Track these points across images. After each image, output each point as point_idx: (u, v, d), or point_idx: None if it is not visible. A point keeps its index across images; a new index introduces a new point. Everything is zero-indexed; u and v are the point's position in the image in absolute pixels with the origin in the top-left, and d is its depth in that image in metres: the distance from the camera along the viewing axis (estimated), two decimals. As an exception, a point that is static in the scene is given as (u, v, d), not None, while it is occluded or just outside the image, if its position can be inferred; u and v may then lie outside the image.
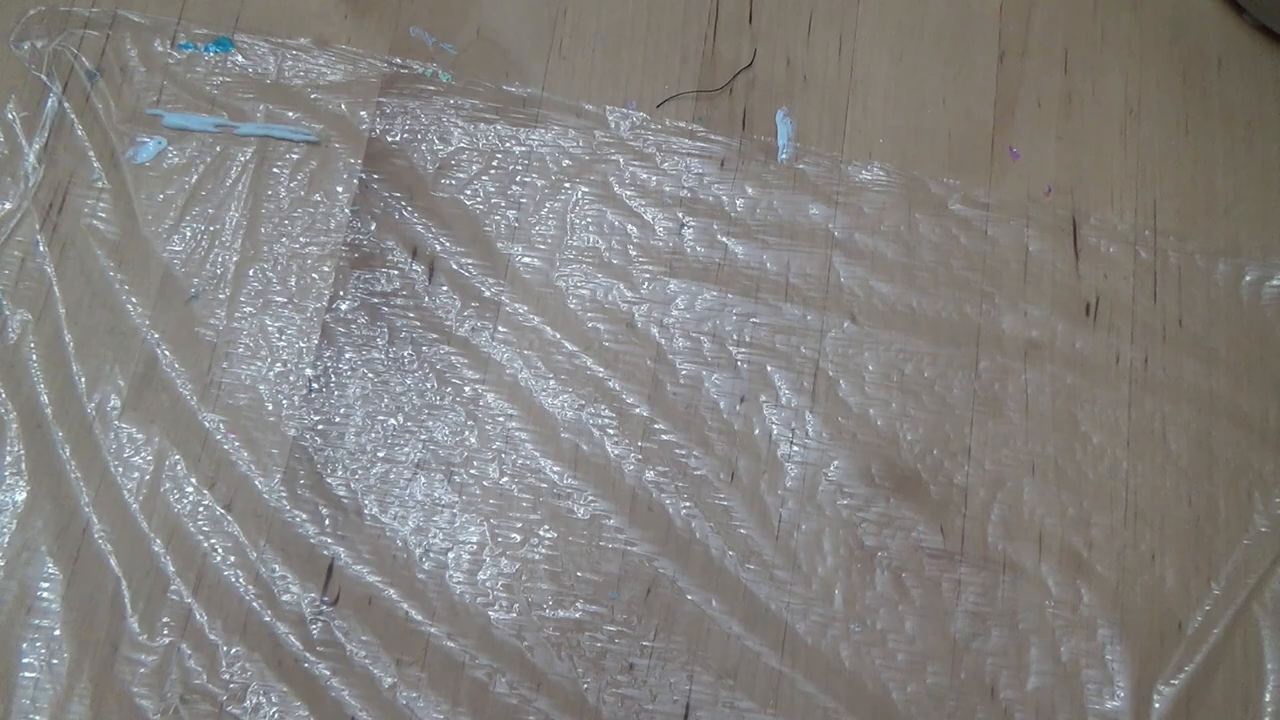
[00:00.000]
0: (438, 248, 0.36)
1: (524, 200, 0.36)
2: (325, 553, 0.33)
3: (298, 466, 0.34)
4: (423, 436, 0.34)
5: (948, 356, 0.36)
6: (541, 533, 0.34)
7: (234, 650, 0.32)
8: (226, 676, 0.32)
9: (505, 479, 0.34)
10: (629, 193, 0.37)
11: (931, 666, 0.33)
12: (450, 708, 0.32)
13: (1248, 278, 0.38)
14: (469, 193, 0.36)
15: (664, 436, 0.34)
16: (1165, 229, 0.38)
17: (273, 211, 0.36)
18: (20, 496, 0.33)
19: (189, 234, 0.35)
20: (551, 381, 0.35)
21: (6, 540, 0.33)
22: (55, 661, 0.31)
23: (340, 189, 0.36)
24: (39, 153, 0.35)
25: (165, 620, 0.32)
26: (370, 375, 0.35)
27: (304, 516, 0.33)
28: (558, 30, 0.39)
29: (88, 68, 0.36)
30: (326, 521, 0.33)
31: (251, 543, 0.33)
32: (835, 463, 0.35)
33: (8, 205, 0.35)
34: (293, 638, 0.32)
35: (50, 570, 0.33)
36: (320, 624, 0.32)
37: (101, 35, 0.37)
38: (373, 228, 0.36)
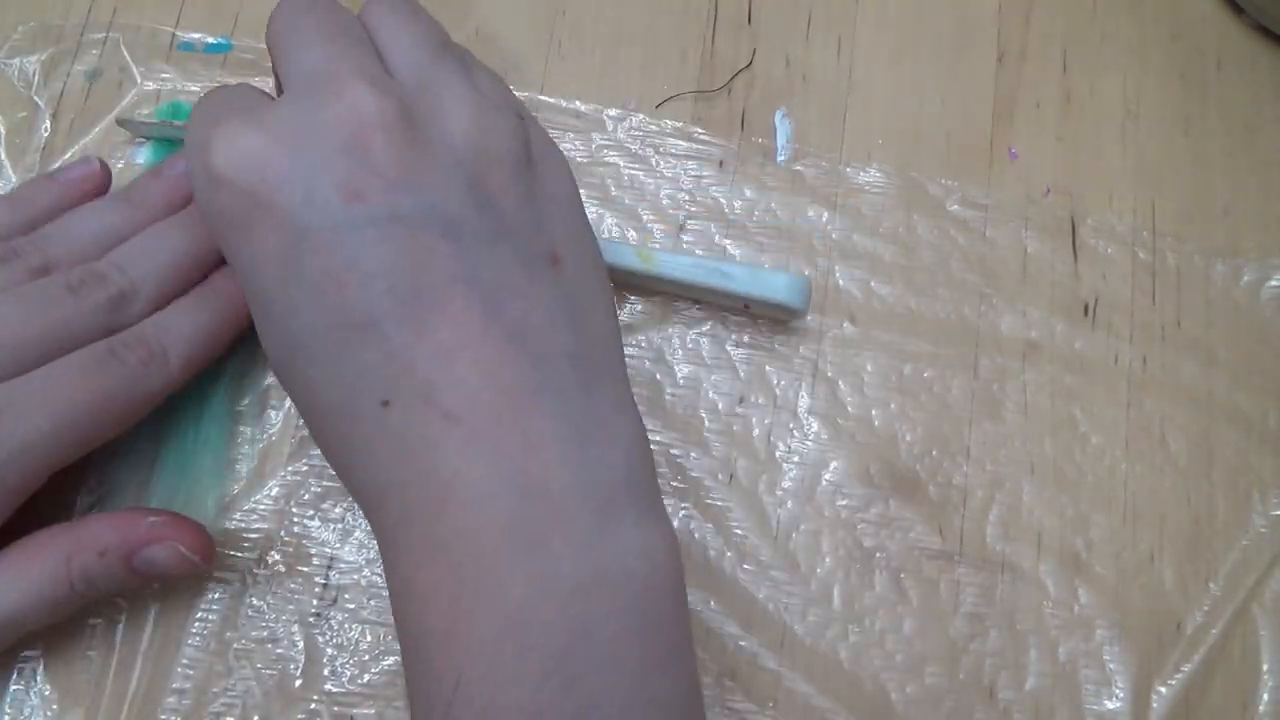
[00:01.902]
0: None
1: (523, 202, 0.36)
2: (320, 562, 0.33)
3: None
4: (422, 438, 0.34)
5: (946, 357, 0.36)
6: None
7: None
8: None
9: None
10: (627, 195, 0.37)
11: (930, 667, 0.33)
12: (450, 709, 0.32)
13: (1245, 278, 0.38)
14: (468, 194, 0.36)
15: (662, 438, 0.34)
16: (1164, 229, 0.38)
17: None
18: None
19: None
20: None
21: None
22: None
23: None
24: (32, 164, 0.35)
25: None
26: (369, 377, 0.35)
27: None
28: (556, 30, 0.39)
29: (82, 77, 0.36)
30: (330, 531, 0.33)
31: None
32: (834, 464, 0.35)
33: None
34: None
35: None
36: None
37: (96, 43, 0.37)
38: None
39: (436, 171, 0.23)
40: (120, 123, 0.35)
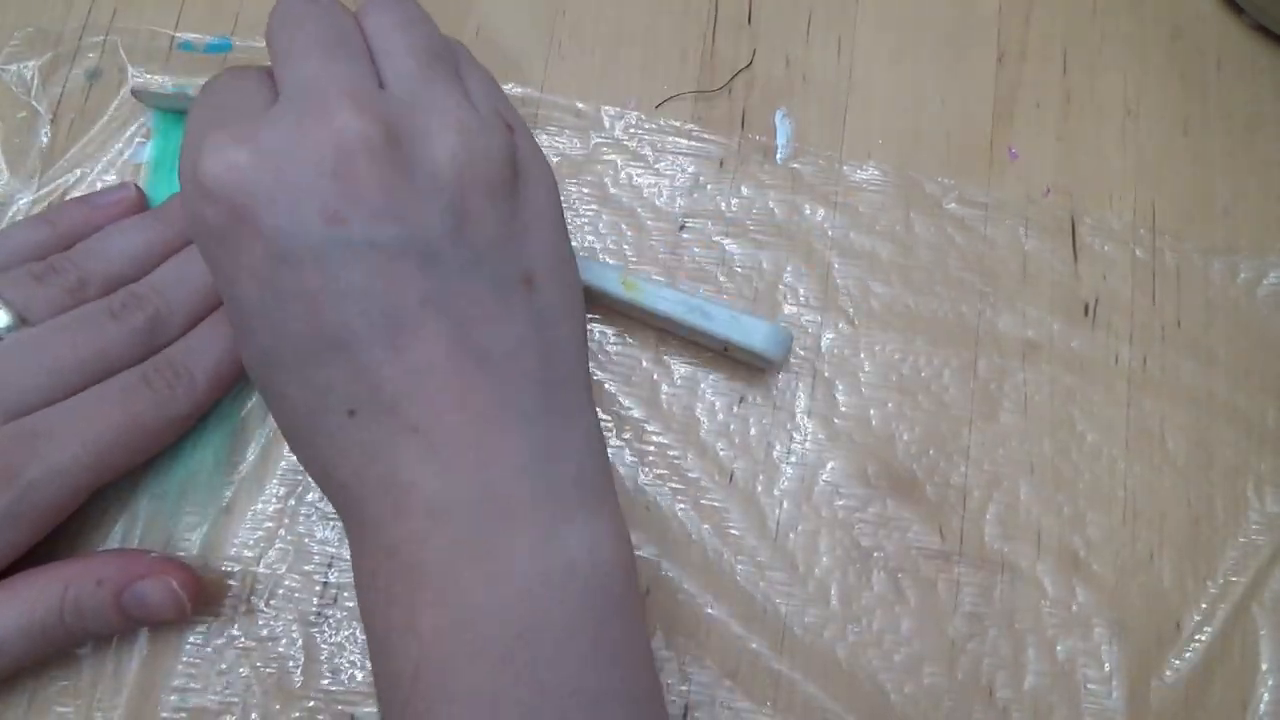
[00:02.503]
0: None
1: (521, 202, 0.36)
2: (320, 561, 0.33)
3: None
4: (421, 438, 0.34)
5: (944, 357, 0.36)
6: (539, 533, 0.34)
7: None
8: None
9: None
10: (625, 194, 0.37)
11: (928, 666, 0.33)
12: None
13: (1242, 275, 0.38)
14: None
15: (659, 438, 0.34)
16: (1163, 229, 0.38)
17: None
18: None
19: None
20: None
21: None
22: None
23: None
24: (34, 168, 0.35)
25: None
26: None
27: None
28: (556, 30, 0.39)
29: (82, 77, 0.36)
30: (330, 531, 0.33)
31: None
32: (831, 464, 0.35)
33: (9, 218, 0.35)
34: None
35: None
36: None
37: (95, 45, 0.37)
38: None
39: (418, 200, 0.24)
40: (135, 93, 0.35)
